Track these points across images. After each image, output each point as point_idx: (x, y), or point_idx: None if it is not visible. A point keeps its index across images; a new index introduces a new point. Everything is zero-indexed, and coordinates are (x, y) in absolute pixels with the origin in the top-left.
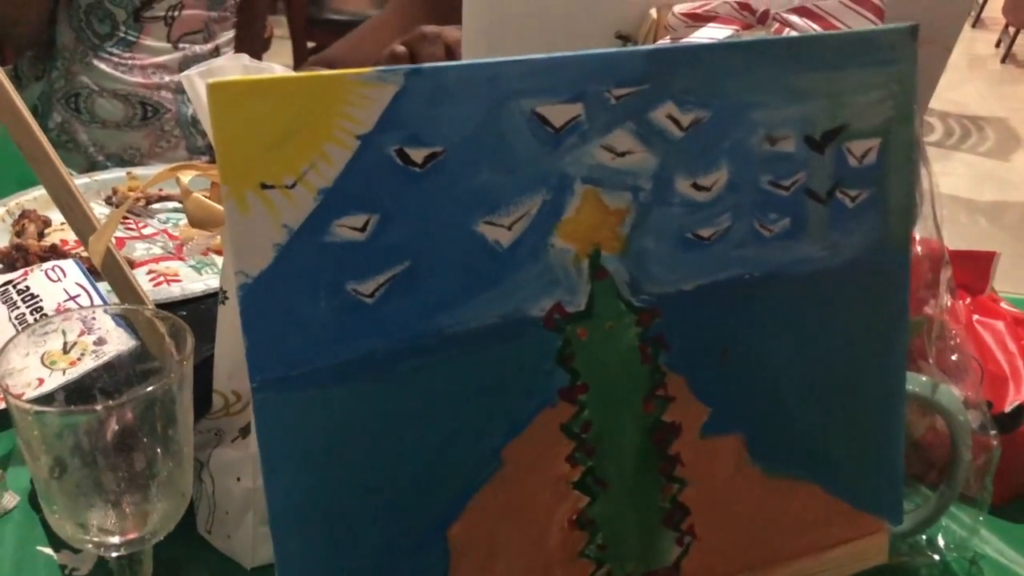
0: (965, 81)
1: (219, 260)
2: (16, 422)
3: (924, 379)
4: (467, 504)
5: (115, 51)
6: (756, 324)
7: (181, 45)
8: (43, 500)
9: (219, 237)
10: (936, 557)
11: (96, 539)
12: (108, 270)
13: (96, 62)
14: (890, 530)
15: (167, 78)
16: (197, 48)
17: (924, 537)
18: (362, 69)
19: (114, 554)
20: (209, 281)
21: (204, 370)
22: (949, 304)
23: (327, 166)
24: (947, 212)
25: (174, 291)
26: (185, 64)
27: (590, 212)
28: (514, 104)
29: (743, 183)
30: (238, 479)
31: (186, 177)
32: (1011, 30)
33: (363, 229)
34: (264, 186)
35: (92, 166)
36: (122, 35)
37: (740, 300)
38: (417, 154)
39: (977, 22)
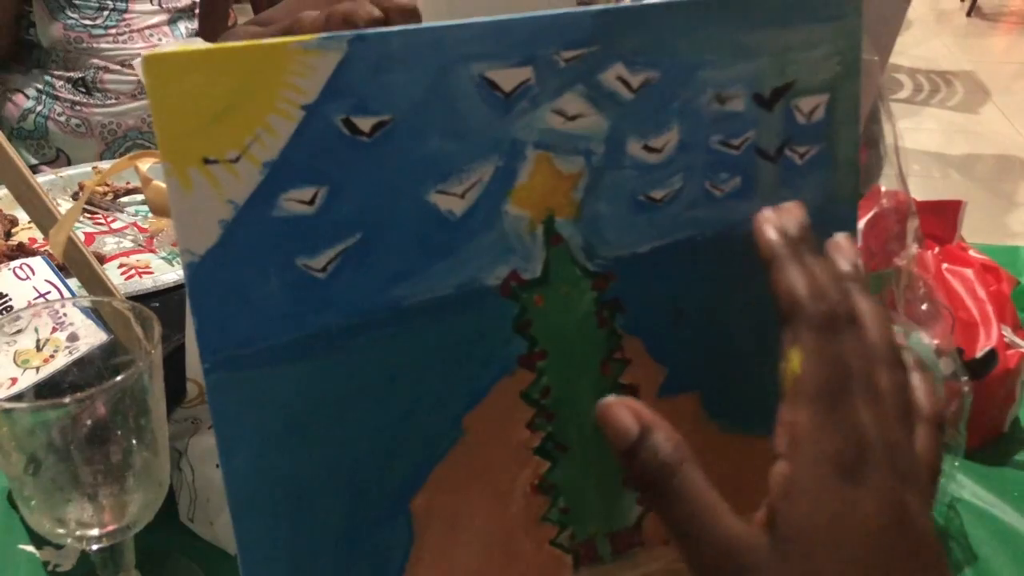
0: (932, 36)
1: None
2: None
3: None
4: (429, 475)
5: (109, 24)
6: (709, 284)
7: (165, 4)
8: (18, 498)
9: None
10: None
11: (75, 533)
12: (73, 262)
13: (94, 43)
14: None
15: (164, 39)
16: (181, 3)
17: None
18: (303, 36)
19: (95, 547)
20: (181, 272)
21: (177, 359)
22: (917, 254)
23: (272, 138)
24: (919, 167)
25: (146, 283)
26: (173, 21)
27: (543, 178)
28: (462, 69)
29: (694, 143)
30: (217, 466)
31: (145, 165)
32: None
33: (312, 202)
34: (207, 161)
35: (108, 147)
36: (111, 6)
37: (693, 260)
38: (364, 123)
39: None
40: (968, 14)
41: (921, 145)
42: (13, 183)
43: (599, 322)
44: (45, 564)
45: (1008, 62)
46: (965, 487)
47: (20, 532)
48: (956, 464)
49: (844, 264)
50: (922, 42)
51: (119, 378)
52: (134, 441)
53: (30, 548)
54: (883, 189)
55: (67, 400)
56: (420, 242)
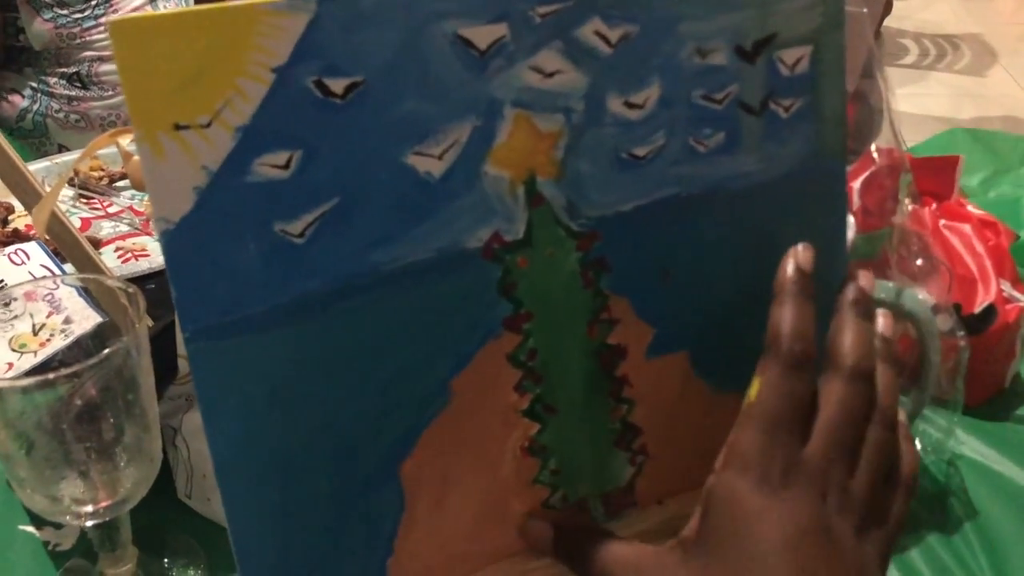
0: (936, 0)
1: None
2: None
3: (889, 284)
4: (418, 440)
5: (99, 13)
6: (696, 241)
7: None
8: (11, 477)
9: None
10: None
11: (70, 510)
12: (61, 242)
13: (86, 36)
14: None
15: None
16: None
17: None
18: None
19: (90, 523)
20: None
21: (168, 337)
22: (912, 210)
23: (243, 102)
24: (927, 132)
25: (142, 265)
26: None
27: (522, 137)
28: (435, 27)
29: (675, 99)
30: None
31: (125, 140)
32: None
33: (286, 166)
34: (178, 127)
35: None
36: None
37: (678, 218)
38: (336, 84)
39: None
40: None
41: (928, 110)
42: (3, 168)
43: (585, 283)
44: (45, 544)
45: (1016, 23)
46: (965, 443)
47: (20, 513)
48: (955, 420)
49: (883, 329)
50: (928, 6)
51: (105, 352)
52: (124, 418)
53: (30, 528)
54: (875, 147)
55: (53, 377)
56: (399, 205)
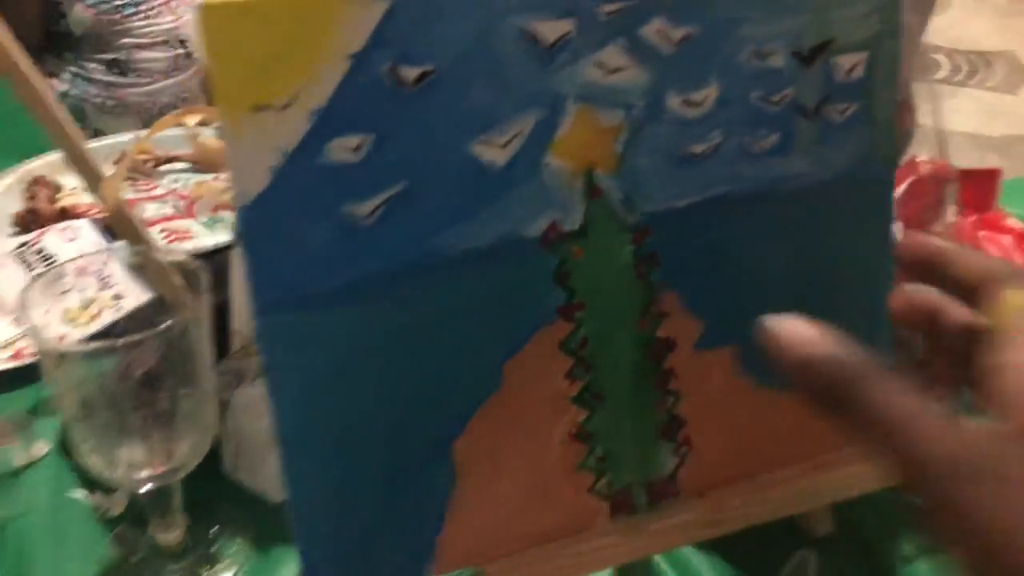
0: (972, 16)
1: (229, 216)
2: (44, 369)
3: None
4: (470, 420)
5: (139, 1)
6: (747, 239)
7: None
8: (73, 440)
9: (229, 194)
10: None
11: (126, 474)
12: (119, 219)
13: (126, 22)
14: None
15: (191, 12)
16: None
17: None
18: None
19: (144, 488)
20: (220, 237)
21: (219, 315)
22: (955, 219)
23: (319, 87)
24: (957, 149)
25: (186, 247)
26: None
27: (583, 130)
28: (505, 21)
29: (733, 99)
30: (261, 416)
31: (192, 121)
32: None
33: (358, 150)
34: (258, 108)
35: (145, 126)
36: None
37: (731, 216)
38: (408, 73)
39: None
40: None
41: (959, 126)
42: (59, 139)
43: (637, 275)
44: (95, 509)
45: None
46: None
47: (71, 479)
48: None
49: None
50: (961, 22)
51: (169, 322)
52: (182, 388)
53: (80, 494)
54: (921, 158)
55: (119, 343)
56: (462, 192)
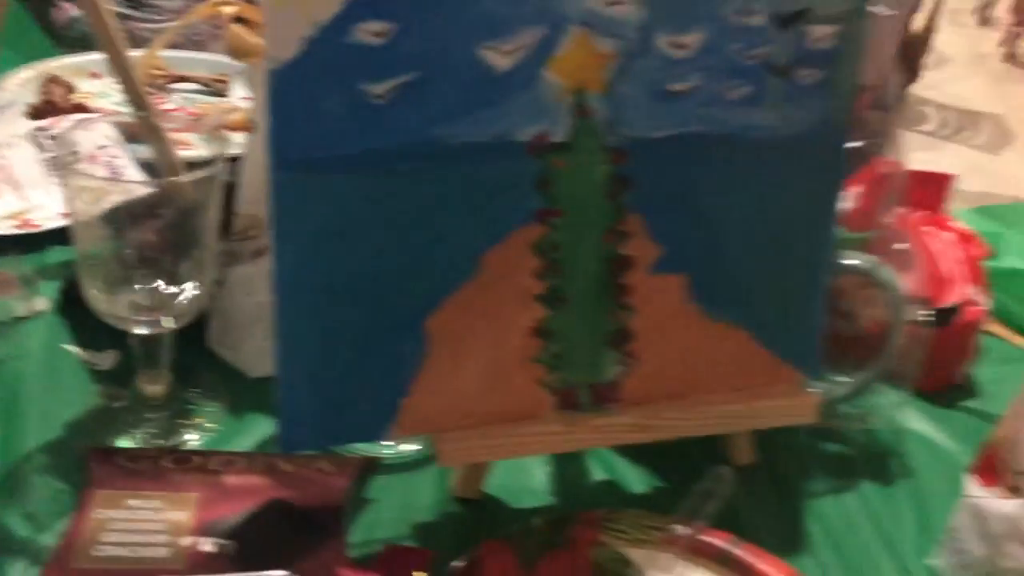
0: (968, 76)
1: (232, 136)
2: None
3: (867, 256)
4: (445, 300)
5: None
6: (711, 178)
7: None
8: (85, 277)
9: (234, 114)
10: (865, 427)
11: (127, 315)
12: (135, 97)
13: None
14: (818, 392)
15: None
16: None
17: (856, 410)
18: None
19: (142, 331)
20: (216, 150)
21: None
22: (899, 212)
23: None
24: None
25: (185, 155)
26: None
27: (580, 52)
28: None
29: (715, 48)
30: (250, 294)
31: (229, 10)
32: (1015, 28)
33: (381, 35)
34: None
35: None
36: None
37: (699, 154)
38: None
39: (985, 21)
40: (1004, 60)
41: None
42: (111, 50)
43: (610, 193)
44: (86, 363)
45: None
46: (912, 419)
47: (66, 335)
48: (906, 398)
49: None
50: (956, 80)
51: (207, 168)
52: (190, 247)
53: (73, 349)
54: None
55: (158, 183)
56: (467, 89)
